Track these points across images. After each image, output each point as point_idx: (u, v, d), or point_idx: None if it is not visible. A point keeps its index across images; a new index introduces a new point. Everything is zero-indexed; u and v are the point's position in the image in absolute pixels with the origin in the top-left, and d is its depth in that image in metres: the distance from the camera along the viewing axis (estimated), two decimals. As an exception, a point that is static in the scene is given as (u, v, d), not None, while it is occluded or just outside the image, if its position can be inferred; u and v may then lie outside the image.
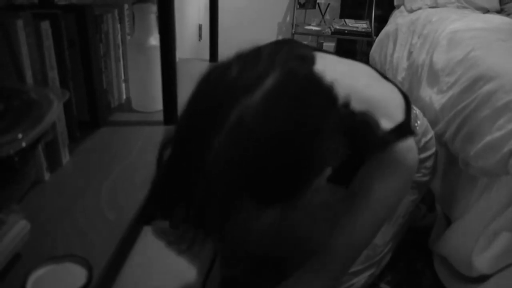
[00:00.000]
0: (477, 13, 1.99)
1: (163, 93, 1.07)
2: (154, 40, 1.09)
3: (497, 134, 0.88)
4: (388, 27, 2.33)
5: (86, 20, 0.96)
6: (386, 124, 0.74)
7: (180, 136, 0.55)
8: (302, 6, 2.99)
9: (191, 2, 2.72)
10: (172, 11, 1.00)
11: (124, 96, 1.24)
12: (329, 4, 3.11)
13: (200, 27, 2.95)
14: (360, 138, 0.69)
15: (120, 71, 1.19)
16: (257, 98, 0.49)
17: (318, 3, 3.06)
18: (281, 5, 3.16)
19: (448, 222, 1.18)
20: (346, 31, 2.76)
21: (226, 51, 2.77)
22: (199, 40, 2.97)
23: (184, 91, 1.41)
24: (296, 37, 3.03)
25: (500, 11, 2.07)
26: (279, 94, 0.50)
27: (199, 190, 0.51)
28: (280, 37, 3.25)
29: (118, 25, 1.16)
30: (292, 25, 2.99)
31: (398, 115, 0.77)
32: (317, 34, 2.95)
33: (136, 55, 1.12)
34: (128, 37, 1.20)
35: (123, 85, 1.23)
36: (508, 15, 1.93)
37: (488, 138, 0.89)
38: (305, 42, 3.08)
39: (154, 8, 1.08)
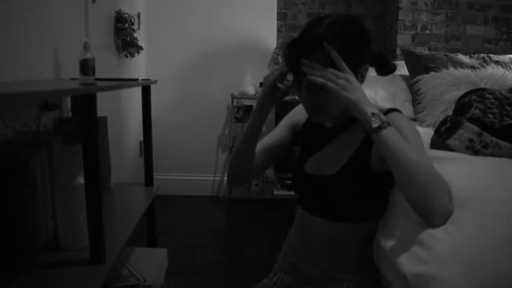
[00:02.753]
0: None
1: (89, 233, 1.06)
2: (82, 179, 1.12)
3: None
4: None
5: (7, 165, 0.98)
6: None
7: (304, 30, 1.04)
8: (238, 120, 3.17)
9: (133, 120, 2.82)
10: (96, 154, 1.04)
11: (51, 234, 1.22)
12: (264, 117, 3.32)
13: (141, 143, 3.02)
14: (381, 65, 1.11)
15: (49, 209, 1.19)
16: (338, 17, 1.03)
17: (253, 117, 3.25)
18: (219, 120, 3.34)
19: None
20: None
21: (166, 164, 2.84)
22: (141, 156, 3.02)
23: (119, 218, 1.42)
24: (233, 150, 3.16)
25: (414, 120, 2.29)
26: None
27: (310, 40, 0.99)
28: (220, 150, 3.38)
29: (47, 164, 1.18)
30: (230, 138, 3.13)
31: None
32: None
33: (63, 194, 1.14)
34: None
35: (51, 222, 1.21)
36: (421, 123, 2.14)
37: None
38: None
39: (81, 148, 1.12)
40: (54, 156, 1.16)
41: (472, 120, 1.36)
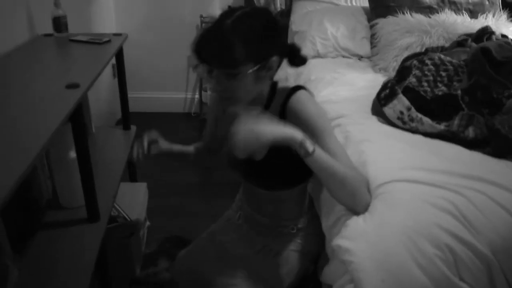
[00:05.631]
0: (351, 68, 2.29)
1: (86, 199, 1.31)
2: (74, 153, 1.31)
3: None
4: (280, 73, 2.64)
5: None
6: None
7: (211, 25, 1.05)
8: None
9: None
10: (85, 133, 1.23)
11: (51, 194, 1.45)
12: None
13: (114, 66, 3.12)
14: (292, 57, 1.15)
15: (46, 172, 1.41)
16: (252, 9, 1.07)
17: (223, 38, 3.33)
18: (188, 40, 3.39)
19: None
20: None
21: (139, 82, 3.07)
22: (114, 78, 3.13)
23: (101, 159, 1.65)
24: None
25: (370, 59, 2.46)
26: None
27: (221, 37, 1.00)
28: (190, 69, 3.51)
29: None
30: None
31: None
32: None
33: (58, 166, 1.35)
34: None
35: (49, 183, 1.44)
36: (374, 66, 2.33)
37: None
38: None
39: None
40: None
41: (407, 90, 1.58)
